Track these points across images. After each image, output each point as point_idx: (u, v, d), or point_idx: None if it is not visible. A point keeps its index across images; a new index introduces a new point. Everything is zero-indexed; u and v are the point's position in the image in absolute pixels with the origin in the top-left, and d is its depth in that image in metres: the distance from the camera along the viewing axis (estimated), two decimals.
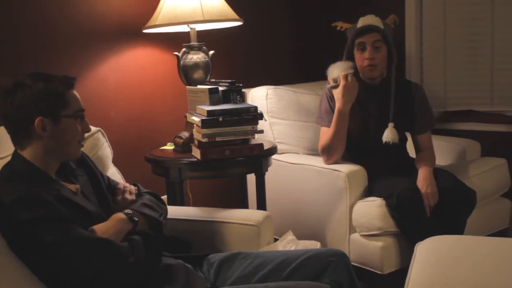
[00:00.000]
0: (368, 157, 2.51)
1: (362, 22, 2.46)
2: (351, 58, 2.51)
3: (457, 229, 2.27)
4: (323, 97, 2.60)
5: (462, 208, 2.30)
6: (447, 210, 2.27)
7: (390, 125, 2.44)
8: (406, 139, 2.65)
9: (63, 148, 1.52)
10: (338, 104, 2.44)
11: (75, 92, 1.55)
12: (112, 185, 1.74)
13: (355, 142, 2.51)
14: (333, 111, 2.49)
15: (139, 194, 1.73)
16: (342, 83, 2.42)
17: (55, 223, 1.37)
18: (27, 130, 1.47)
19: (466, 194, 2.31)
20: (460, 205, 2.29)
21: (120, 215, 1.54)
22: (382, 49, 2.45)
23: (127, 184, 1.76)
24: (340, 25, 2.64)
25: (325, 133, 2.49)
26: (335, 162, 2.48)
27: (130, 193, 1.71)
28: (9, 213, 1.36)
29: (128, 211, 1.57)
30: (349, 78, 2.42)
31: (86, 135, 1.62)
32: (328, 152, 2.48)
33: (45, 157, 1.49)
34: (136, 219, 1.55)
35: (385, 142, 2.44)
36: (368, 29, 2.43)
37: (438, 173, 2.38)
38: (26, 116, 1.46)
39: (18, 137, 1.50)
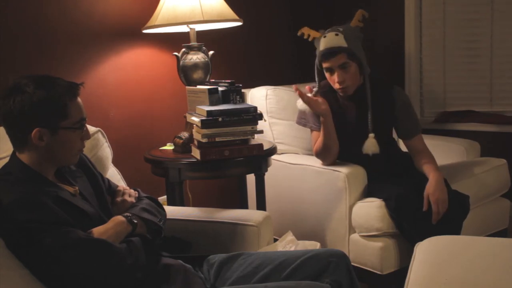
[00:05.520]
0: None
1: (323, 44, 2.35)
2: (322, 75, 2.46)
3: (454, 232, 2.26)
4: None
5: (456, 213, 2.28)
6: (442, 215, 2.26)
7: (370, 136, 2.39)
8: (395, 141, 2.63)
9: (60, 156, 1.51)
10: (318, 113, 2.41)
11: (79, 100, 1.51)
12: (112, 188, 1.74)
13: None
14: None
15: (138, 199, 1.73)
16: (306, 103, 2.39)
17: (52, 225, 1.37)
18: (24, 137, 1.45)
19: (460, 201, 2.30)
20: (454, 210, 2.27)
21: (119, 218, 1.55)
22: (351, 67, 2.36)
23: (127, 188, 1.77)
24: (307, 32, 2.46)
25: (315, 137, 2.48)
26: (332, 164, 2.47)
27: (130, 195, 1.72)
28: (8, 214, 1.36)
29: (127, 214, 1.57)
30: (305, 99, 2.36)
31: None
32: (323, 156, 2.47)
33: (41, 162, 1.48)
34: (135, 221, 1.56)
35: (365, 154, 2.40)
36: (332, 53, 2.34)
37: None
38: (24, 124, 1.44)
39: (15, 141, 1.49)
